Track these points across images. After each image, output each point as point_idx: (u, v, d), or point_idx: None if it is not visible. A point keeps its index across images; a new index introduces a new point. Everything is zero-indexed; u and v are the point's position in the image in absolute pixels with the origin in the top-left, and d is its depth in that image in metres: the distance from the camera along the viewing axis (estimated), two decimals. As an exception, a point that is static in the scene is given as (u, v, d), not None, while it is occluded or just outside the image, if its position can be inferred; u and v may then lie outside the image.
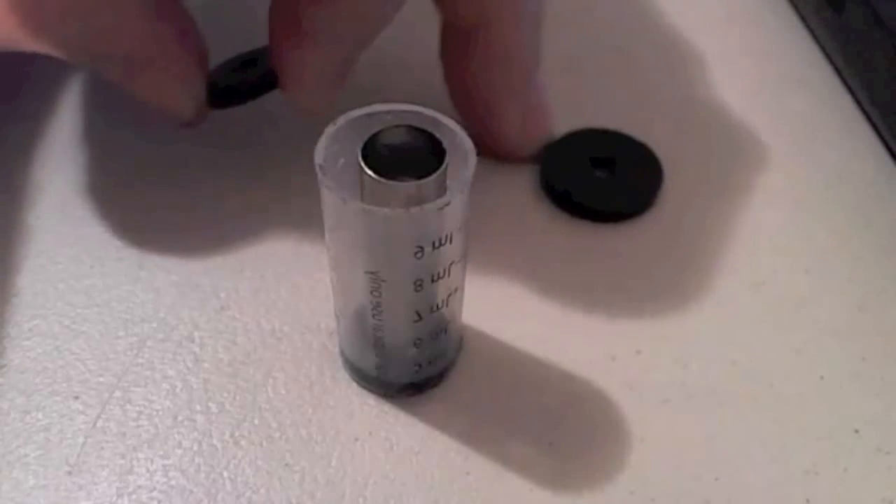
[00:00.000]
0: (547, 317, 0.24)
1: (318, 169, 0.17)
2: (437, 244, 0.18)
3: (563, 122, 0.29)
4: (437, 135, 0.18)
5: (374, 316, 0.19)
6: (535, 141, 0.27)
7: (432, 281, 0.19)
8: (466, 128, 0.18)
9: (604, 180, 0.27)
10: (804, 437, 0.21)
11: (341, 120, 0.18)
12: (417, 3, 0.34)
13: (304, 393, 0.22)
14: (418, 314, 0.19)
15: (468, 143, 0.18)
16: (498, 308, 0.24)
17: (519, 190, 0.27)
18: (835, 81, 0.32)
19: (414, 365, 0.21)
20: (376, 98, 0.18)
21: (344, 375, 0.22)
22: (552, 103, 0.28)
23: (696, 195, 0.27)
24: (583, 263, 0.25)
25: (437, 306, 0.19)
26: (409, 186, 0.17)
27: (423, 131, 0.18)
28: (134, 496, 0.20)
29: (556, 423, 0.21)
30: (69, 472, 0.20)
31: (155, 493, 0.20)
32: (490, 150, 0.27)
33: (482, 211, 0.26)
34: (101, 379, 0.22)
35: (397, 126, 0.18)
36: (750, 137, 0.29)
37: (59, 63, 0.31)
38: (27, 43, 0.21)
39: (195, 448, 0.21)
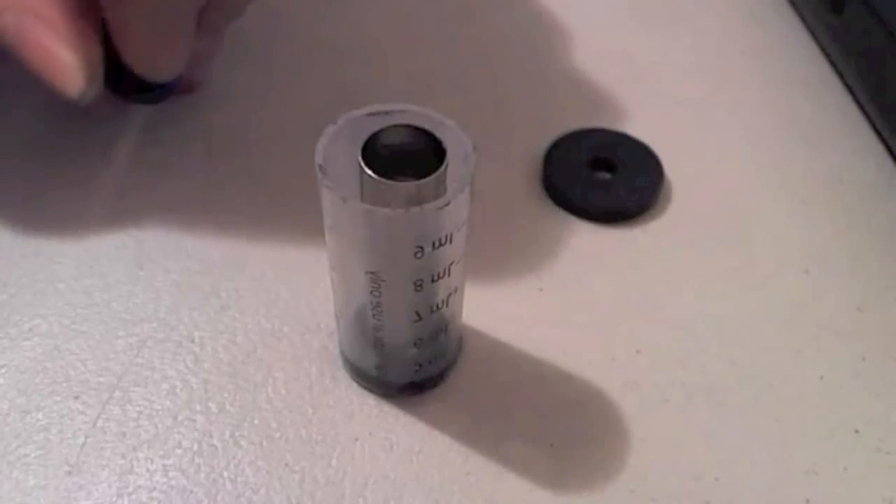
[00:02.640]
0: (547, 317, 0.24)
1: (318, 169, 0.17)
2: (437, 244, 0.18)
3: (564, 122, 0.29)
4: (437, 135, 0.18)
5: (374, 316, 0.19)
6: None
7: (432, 281, 0.19)
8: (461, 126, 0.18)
9: (604, 180, 0.27)
10: (804, 437, 0.21)
11: (341, 120, 0.18)
12: (418, 5, 0.34)
13: (304, 393, 0.22)
14: (418, 314, 0.19)
15: (468, 143, 0.18)
16: (498, 308, 0.24)
17: (519, 190, 0.27)
18: (835, 81, 0.32)
19: (414, 365, 0.21)
20: (376, 98, 0.18)
21: (344, 375, 0.22)
22: (552, 104, 0.28)
23: (695, 195, 0.27)
24: (583, 263, 0.25)
25: (437, 306, 0.19)
26: (409, 186, 0.17)
27: (423, 131, 0.18)
28: (134, 496, 0.20)
29: (556, 423, 0.21)
30: (69, 472, 0.20)
31: (155, 493, 0.20)
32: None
33: (482, 211, 0.26)
34: (101, 379, 0.22)
35: (397, 126, 0.18)
36: (750, 137, 0.29)
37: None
38: None
39: (195, 448, 0.21)
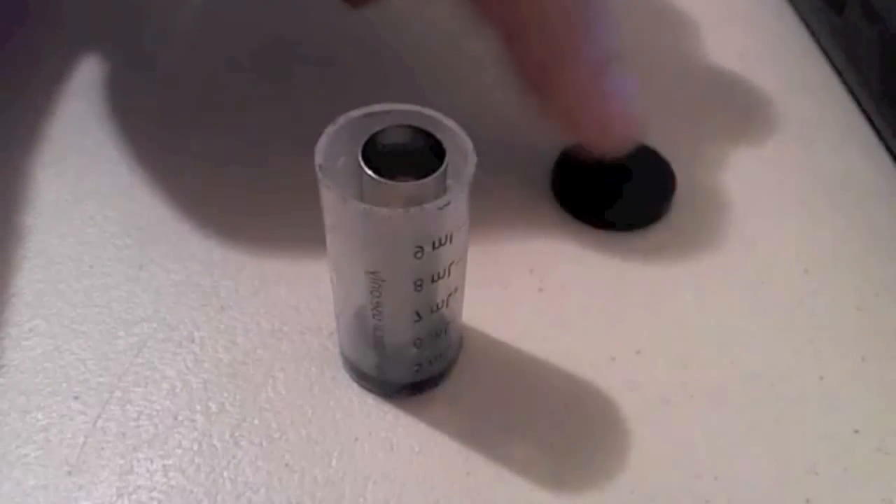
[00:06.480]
0: (547, 317, 0.24)
1: (318, 169, 0.17)
2: (437, 244, 0.18)
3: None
4: (437, 135, 0.18)
5: (374, 316, 0.19)
6: (618, 136, 0.26)
7: (432, 281, 0.19)
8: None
9: (615, 189, 0.27)
10: (804, 437, 0.21)
11: (341, 120, 0.18)
12: (418, 6, 0.34)
13: (304, 393, 0.22)
14: (418, 314, 0.19)
15: (468, 143, 0.18)
16: (498, 308, 0.24)
17: (528, 193, 0.27)
18: (835, 82, 0.32)
19: (414, 365, 0.21)
20: (376, 98, 0.18)
21: (344, 375, 0.22)
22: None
23: (697, 196, 0.27)
24: (584, 264, 0.25)
25: (437, 306, 0.19)
26: (409, 186, 0.17)
27: (423, 131, 0.18)
28: (134, 496, 0.20)
29: (557, 423, 0.21)
30: (69, 472, 0.20)
31: (155, 493, 0.20)
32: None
33: (487, 213, 0.26)
34: (101, 379, 0.22)
35: (397, 126, 0.18)
36: (749, 138, 0.29)
37: (60, 60, 0.31)
38: None
39: (195, 448, 0.21)
